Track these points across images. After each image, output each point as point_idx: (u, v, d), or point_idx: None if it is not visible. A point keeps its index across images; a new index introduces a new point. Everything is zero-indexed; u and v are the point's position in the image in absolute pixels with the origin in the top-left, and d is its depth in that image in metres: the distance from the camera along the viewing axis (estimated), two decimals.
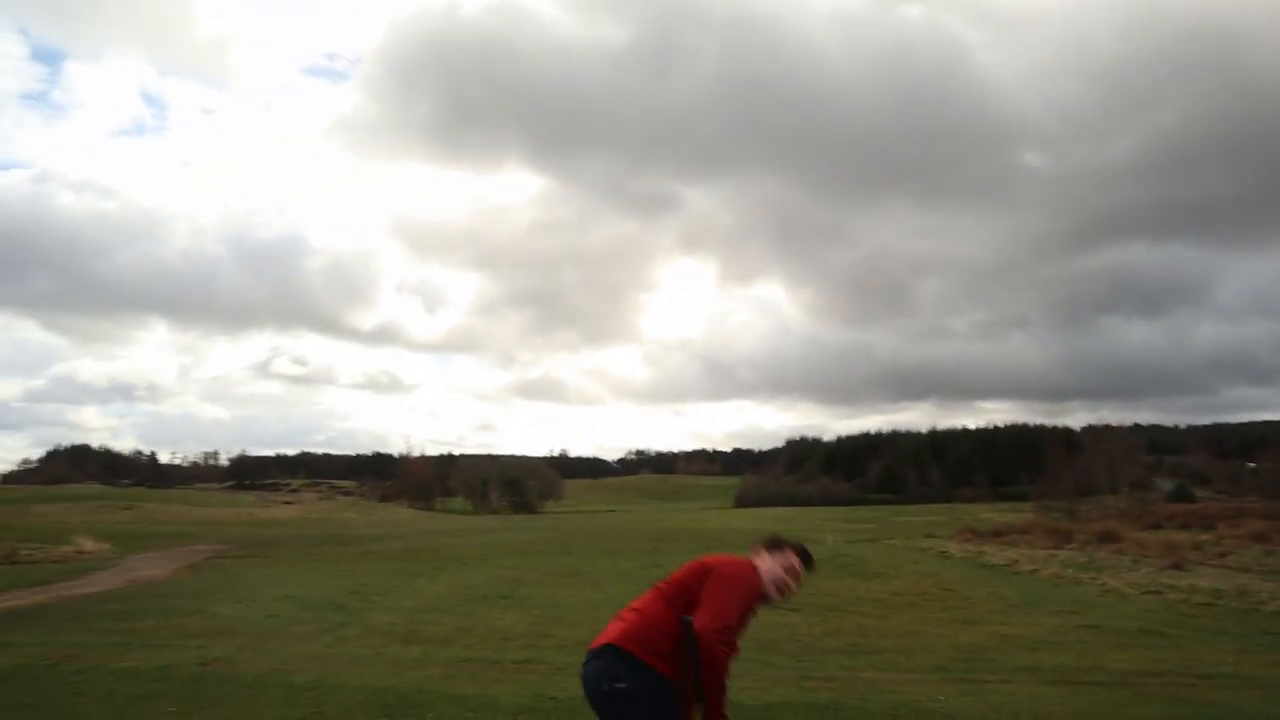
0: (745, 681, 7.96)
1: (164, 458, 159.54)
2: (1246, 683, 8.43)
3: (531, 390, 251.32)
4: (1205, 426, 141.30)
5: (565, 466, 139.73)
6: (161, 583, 17.67)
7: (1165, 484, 74.12)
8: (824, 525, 46.83)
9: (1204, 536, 30.59)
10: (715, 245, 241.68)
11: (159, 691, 7.22)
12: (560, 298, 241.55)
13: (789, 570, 3.64)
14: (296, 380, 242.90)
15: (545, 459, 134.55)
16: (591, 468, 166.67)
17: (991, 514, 54.75)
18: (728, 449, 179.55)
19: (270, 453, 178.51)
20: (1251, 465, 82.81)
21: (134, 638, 10.56)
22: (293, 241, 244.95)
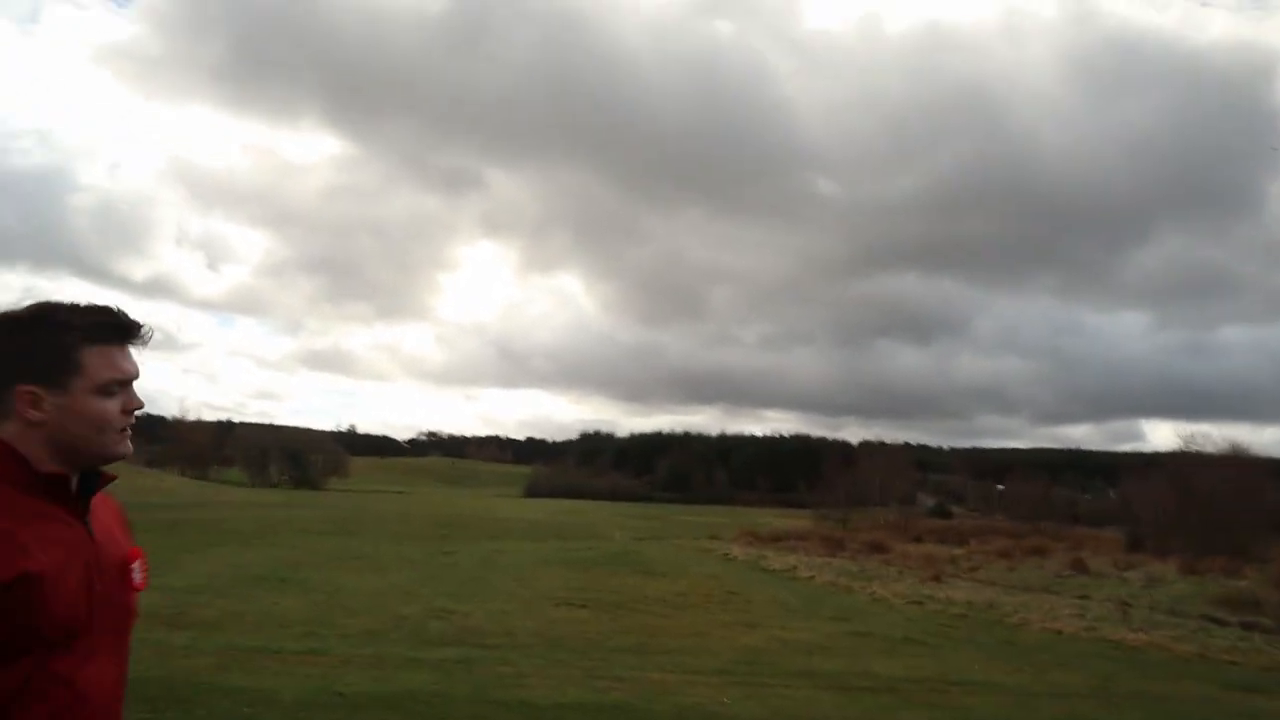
0: (533, 680, 7.93)
1: None
2: (994, 689, 9.20)
3: (318, 361, 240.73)
4: (965, 449, 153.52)
5: (352, 443, 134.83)
6: None
7: (928, 500, 79.97)
8: (612, 520, 47.49)
9: (958, 551, 33.20)
10: (517, 231, 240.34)
11: None
12: (354, 268, 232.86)
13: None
14: None
15: (331, 433, 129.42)
16: (379, 446, 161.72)
17: (772, 518, 57.28)
18: (520, 437, 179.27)
19: None
20: (1000, 487, 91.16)
21: None
22: (56, 174, 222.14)
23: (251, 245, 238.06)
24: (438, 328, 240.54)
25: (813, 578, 20.49)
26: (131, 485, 58.45)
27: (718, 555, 26.36)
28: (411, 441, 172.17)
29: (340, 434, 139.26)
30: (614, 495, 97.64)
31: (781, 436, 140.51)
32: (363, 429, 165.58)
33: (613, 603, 14.35)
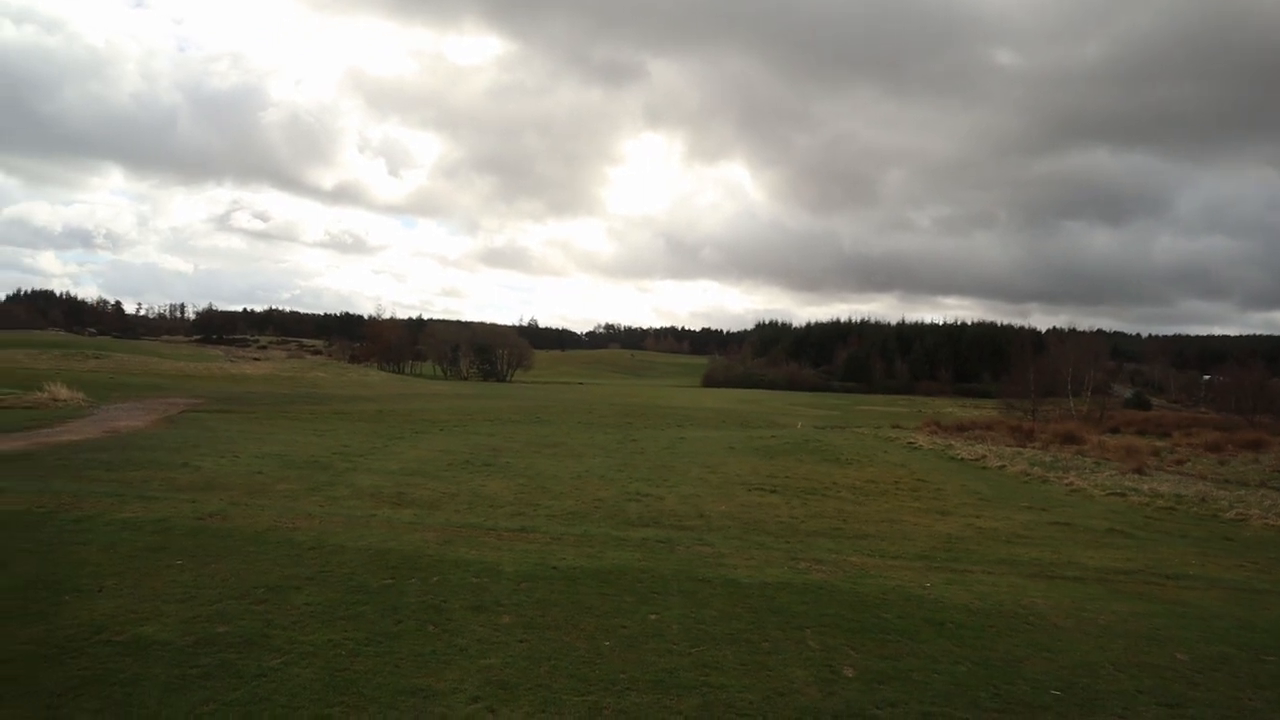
0: (737, 560, 8.17)
1: (129, 308, 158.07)
2: (1210, 584, 8.77)
3: (497, 258, 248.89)
4: (1164, 337, 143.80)
5: (534, 336, 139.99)
6: (141, 434, 17.63)
7: (1124, 390, 75.72)
8: (791, 409, 47.54)
9: (1160, 444, 31.40)
10: (681, 121, 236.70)
11: (161, 545, 7.25)
12: (524, 166, 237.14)
13: None
14: (258, 236, 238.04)
15: (514, 328, 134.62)
16: (560, 339, 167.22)
17: (955, 408, 55.81)
18: (695, 328, 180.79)
19: (236, 308, 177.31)
20: (1206, 378, 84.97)
21: (125, 489, 10.57)
22: (250, 92, 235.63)
23: (427, 149, 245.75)
24: (608, 221, 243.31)
25: (1004, 467, 19.95)
26: (339, 380, 63.02)
27: (902, 444, 26.01)
28: (590, 334, 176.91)
29: (522, 328, 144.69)
30: (792, 385, 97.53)
31: (963, 324, 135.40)
32: (543, 323, 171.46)
33: (802, 489, 14.48)
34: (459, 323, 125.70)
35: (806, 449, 22.33)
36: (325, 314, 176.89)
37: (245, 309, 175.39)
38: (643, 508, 11.71)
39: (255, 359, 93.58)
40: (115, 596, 5.63)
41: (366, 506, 10.46)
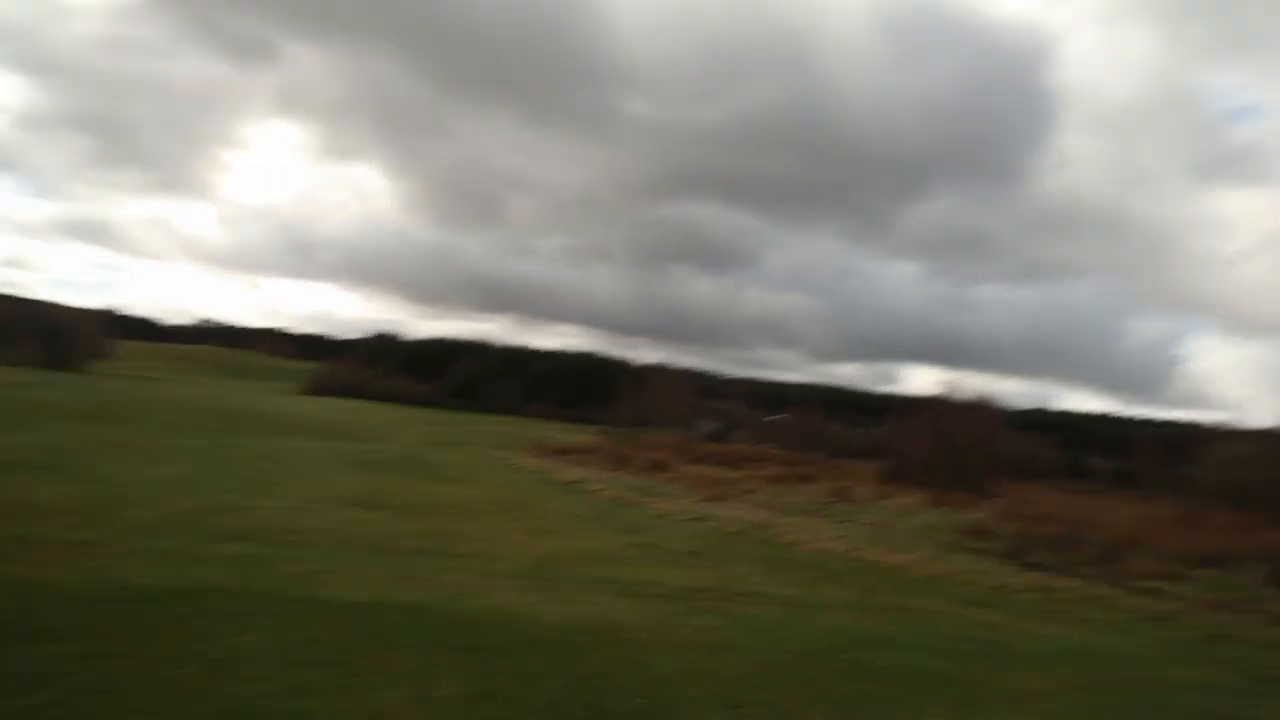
0: (334, 578, 7.84)
1: None
2: (772, 599, 9.92)
3: (82, 230, 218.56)
4: (744, 379, 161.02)
5: (119, 324, 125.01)
6: None
7: (708, 424, 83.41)
8: (399, 423, 46.67)
9: (734, 474, 34.99)
10: (314, 113, 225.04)
11: None
12: (130, 131, 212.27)
13: None
14: None
15: (95, 311, 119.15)
16: (150, 329, 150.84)
17: (558, 433, 58.11)
18: (307, 332, 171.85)
19: None
20: (771, 417, 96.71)
21: None
22: None
23: (8, 92, 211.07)
24: (221, 208, 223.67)
25: (600, 491, 21.11)
26: None
27: (507, 465, 26.57)
28: (186, 328, 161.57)
29: (105, 314, 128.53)
30: (402, 398, 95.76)
31: (572, 352, 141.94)
32: (132, 310, 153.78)
33: (405, 505, 14.27)
34: (22, 299, 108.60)
35: (413, 465, 22.06)
36: None
37: None
38: (234, 520, 10.87)
39: None
40: None
41: None
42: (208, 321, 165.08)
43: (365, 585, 7.72)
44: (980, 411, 37.93)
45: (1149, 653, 9.65)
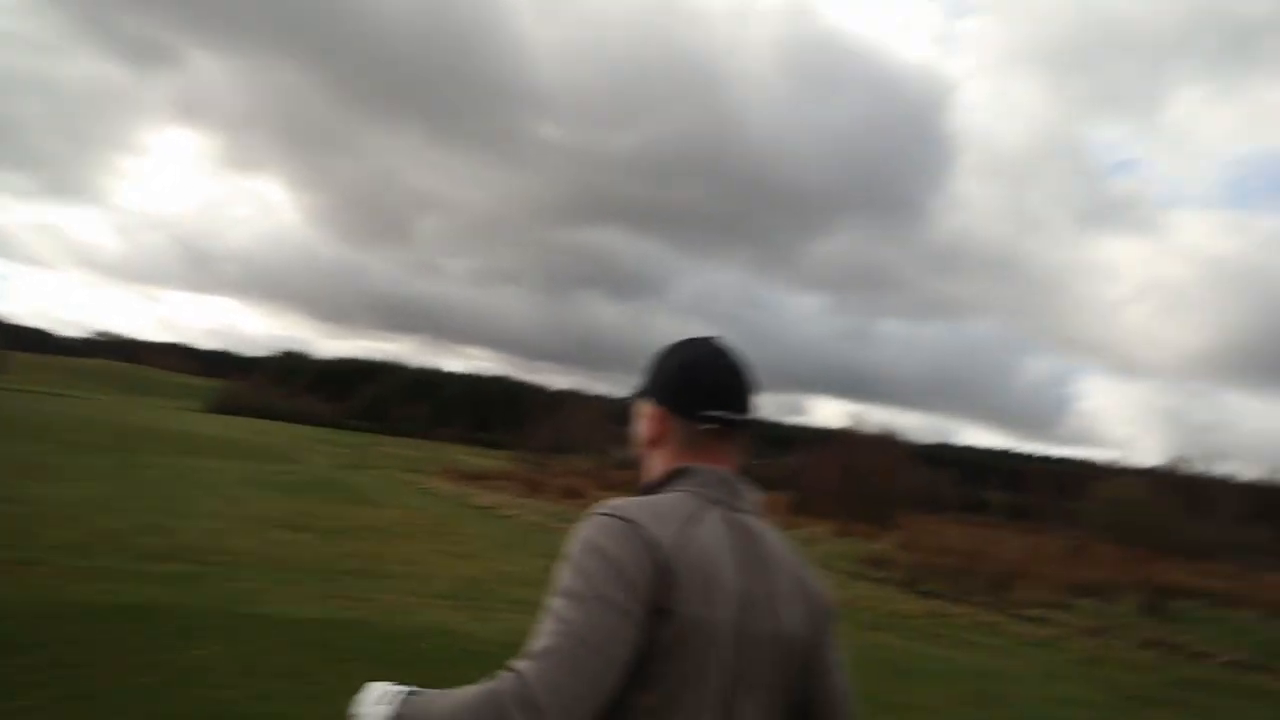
0: (272, 597, 8.14)
1: None
2: None
3: None
4: None
5: (9, 335, 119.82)
6: None
7: (619, 451, 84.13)
8: (308, 444, 46.06)
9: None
10: (217, 123, 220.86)
11: None
12: (14, 131, 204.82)
13: None
14: None
15: None
16: (40, 341, 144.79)
17: (469, 456, 57.97)
18: (208, 347, 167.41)
19: None
20: None
21: None
22: None
23: None
24: (115, 215, 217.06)
25: (516, 516, 21.43)
26: None
27: (422, 489, 26.67)
28: (80, 340, 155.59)
29: None
30: (307, 419, 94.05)
31: (485, 376, 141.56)
32: (19, 319, 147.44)
33: (329, 528, 14.44)
34: None
35: (328, 488, 22.06)
36: None
37: None
38: (160, 541, 10.94)
39: None
40: None
41: None
42: (104, 334, 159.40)
43: (304, 602, 8.04)
44: (886, 445, 39.46)
45: (1031, 672, 10.53)
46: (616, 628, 1.21)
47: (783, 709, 1.44)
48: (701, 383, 1.51)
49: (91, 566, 8.50)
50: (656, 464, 1.53)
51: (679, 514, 1.37)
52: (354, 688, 4.09)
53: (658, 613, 1.26)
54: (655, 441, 1.54)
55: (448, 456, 53.58)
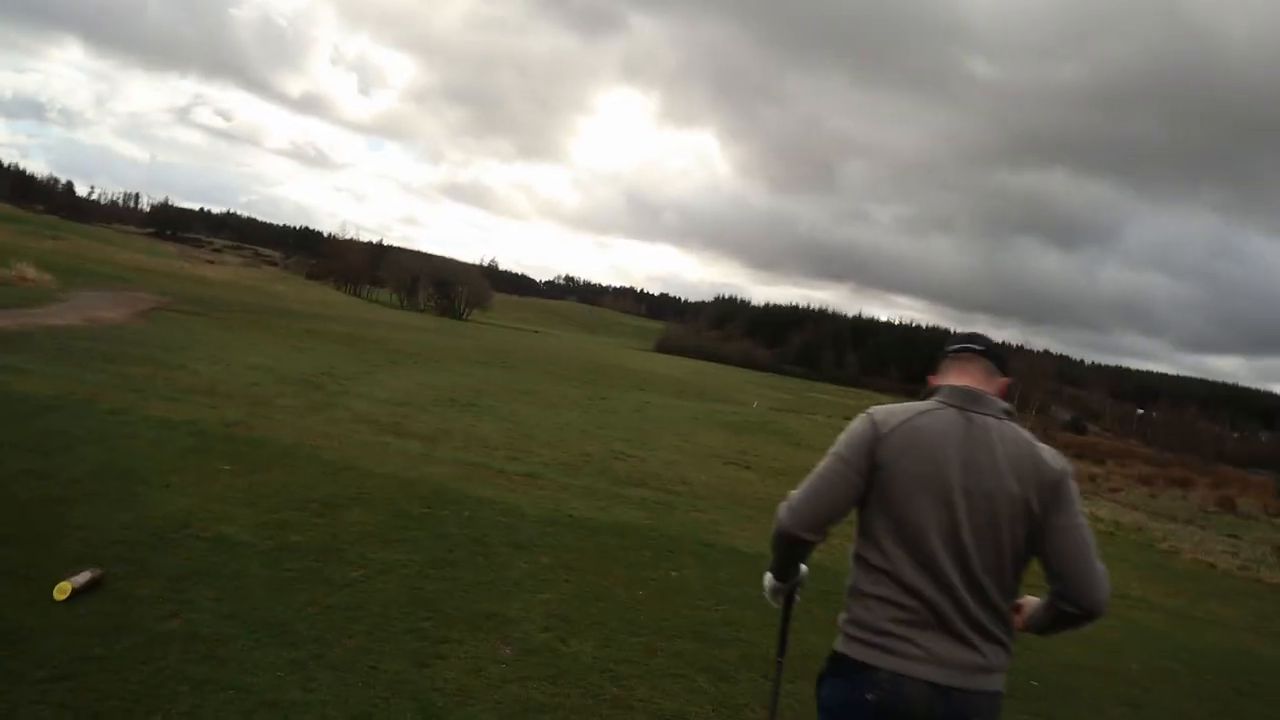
0: (732, 529, 8.73)
1: (80, 190, 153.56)
2: (1153, 607, 9.59)
3: (459, 192, 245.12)
4: (1106, 367, 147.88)
5: (493, 278, 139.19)
6: (124, 328, 17.67)
7: (1062, 413, 78.04)
8: (746, 386, 48.38)
9: (1097, 469, 32.82)
10: (656, 80, 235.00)
11: (201, 446, 7.57)
12: (495, 102, 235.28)
13: None
14: (219, 134, 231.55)
15: (476, 266, 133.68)
16: (518, 284, 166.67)
17: None
18: (651, 291, 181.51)
19: (193, 205, 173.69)
20: (1140, 412, 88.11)
21: (135, 384, 10.80)
22: None
23: (399, 70, 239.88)
24: (573, 172, 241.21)
25: None
26: (301, 295, 62.44)
27: None
28: (548, 283, 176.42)
29: (482, 268, 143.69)
30: (744, 362, 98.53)
31: (918, 326, 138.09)
32: (502, 265, 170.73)
33: (773, 468, 15.14)
34: (419, 253, 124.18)
35: (767, 429, 23.05)
36: (284, 225, 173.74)
37: (202, 209, 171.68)
38: (628, 467, 12.23)
39: (209, 261, 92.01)
40: (183, 494, 5.98)
41: (369, 433, 10.83)
42: (569, 279, 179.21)
43: (759, 540, 8.53)
44: None
45: None
46: (841, 470, 2.09)
47: (1013, 555, 1.97)
48: (954, 334, 2.43)
49: (580, 485, 9.73)
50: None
51: (913, 409, 2.09)
52: (817, 627, 4.24)
53: (875, 467, 2.04)
54: (932, 376, 2.25)
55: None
